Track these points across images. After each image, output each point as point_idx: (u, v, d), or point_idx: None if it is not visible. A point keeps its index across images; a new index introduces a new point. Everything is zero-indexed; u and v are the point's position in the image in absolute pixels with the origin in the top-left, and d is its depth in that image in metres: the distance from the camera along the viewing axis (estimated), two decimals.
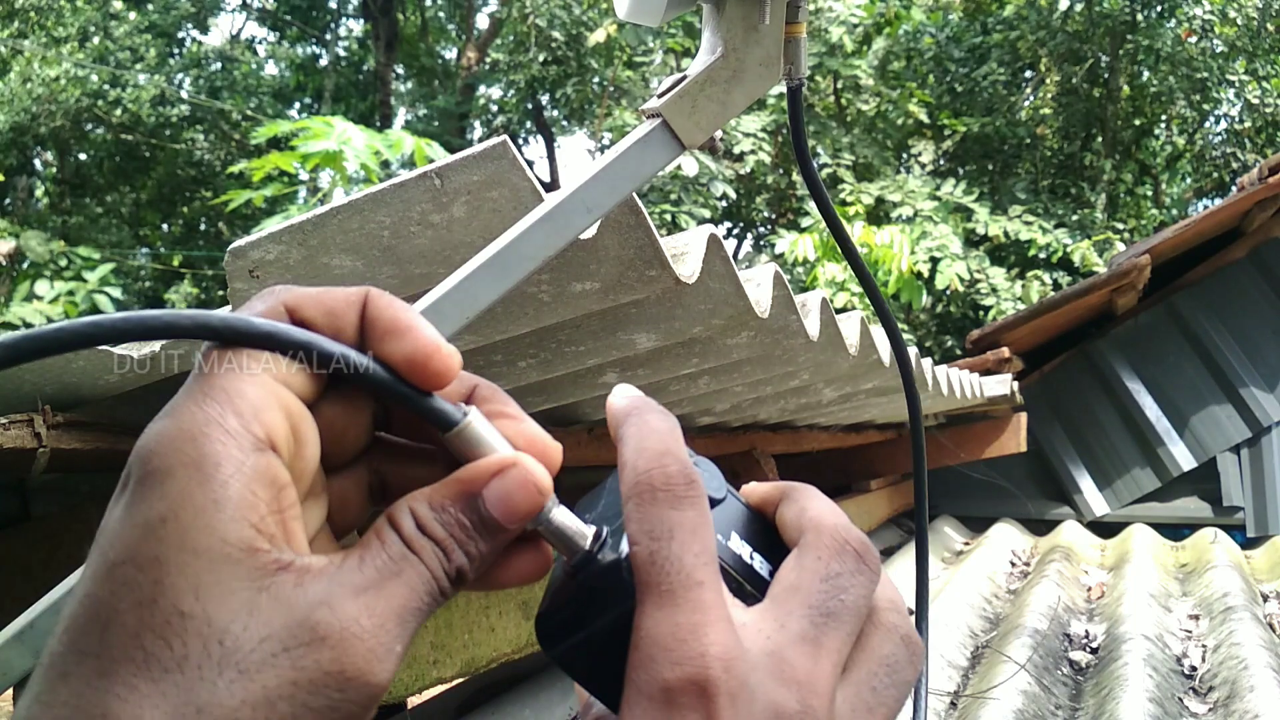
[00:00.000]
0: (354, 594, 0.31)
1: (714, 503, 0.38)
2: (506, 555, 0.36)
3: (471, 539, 0.34)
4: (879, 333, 1.77)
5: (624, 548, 0.35)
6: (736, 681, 0.32)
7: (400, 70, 14.45)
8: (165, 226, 13.98)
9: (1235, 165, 9.02)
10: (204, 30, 14.17)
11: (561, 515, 0.36)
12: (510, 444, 0.36)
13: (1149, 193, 9.79)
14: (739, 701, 0.32)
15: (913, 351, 2.15)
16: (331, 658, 0.30)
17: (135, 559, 0.29)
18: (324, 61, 14.65)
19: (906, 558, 3.14)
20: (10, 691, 0.94)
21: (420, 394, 0.35)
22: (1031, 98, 9.64)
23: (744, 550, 0.38)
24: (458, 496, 0.34)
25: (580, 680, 0.38)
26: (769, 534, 0.39)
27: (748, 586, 0.37)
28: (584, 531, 0.36)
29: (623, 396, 0.39)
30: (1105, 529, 3.94)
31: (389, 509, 0.34)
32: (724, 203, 8.65)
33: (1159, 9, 8.21)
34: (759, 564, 0.38)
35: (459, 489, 0.34)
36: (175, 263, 12.48)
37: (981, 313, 7.54)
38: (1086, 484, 4.18)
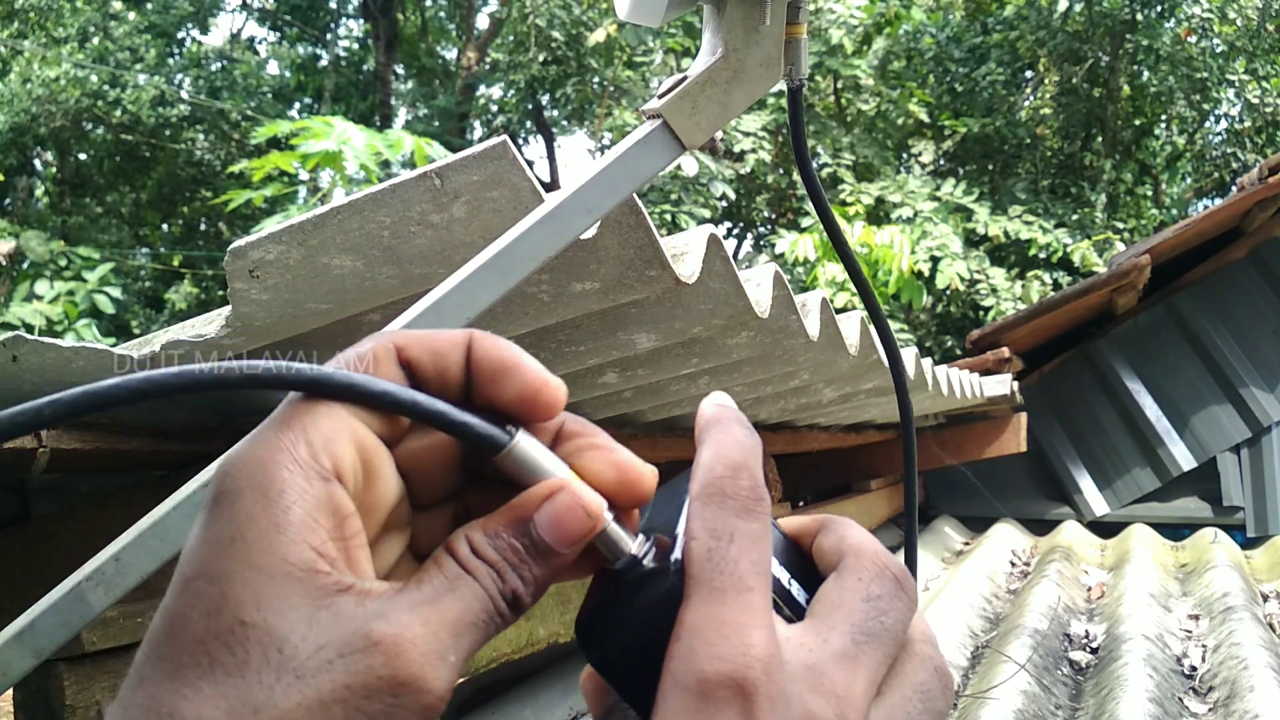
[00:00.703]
0: (409, 607, 0.32)
1: None
2: None
3: (525, 563, 0.35)
4: None
5: (675, 553, 0.35)
6: (776, 687, 0.33)
7: (400, 70, 14.44)
8: (165, 226, 13.97)
9: (1235, 165, 9.01)
10: (204, 30, 14.17)
11: (612, 527, 0.36)
12: (589, 472, 0.36)
13: (1149, 193, 9.79)
14: (777, 706, 0.33)
15: (913, 352, 2.15)
16: (384, 662, 0.31)
17: (206, 573, 0.31)
18: (324, 61, 14.64)
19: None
20: (11, 691, 0.94)
21: (466, 421, 0.35)
22: (1031, 98, 9.65)
23: (783, 575, 0.38)
24: (510, 522, 0.35)
25: (618, 686, 0.38)
26: (805, 563, 0.40)
27: (785, 610, 0.37)
28: (630, 539, 0.37)
29: (713, 404, 0.39)
30: (1105, 529, 3.94)
31: (448, 538, 0.35)
32: (724, 203, 8.65)
33: (1159, 9, 8.21)
34: (796, 590, 0.38)
35: (511, 515, 0.35)
36: (175, 263, 12.48)
37: (981, 313, 7.54)
38: (1086, 484, 4.18)
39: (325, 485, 0.32)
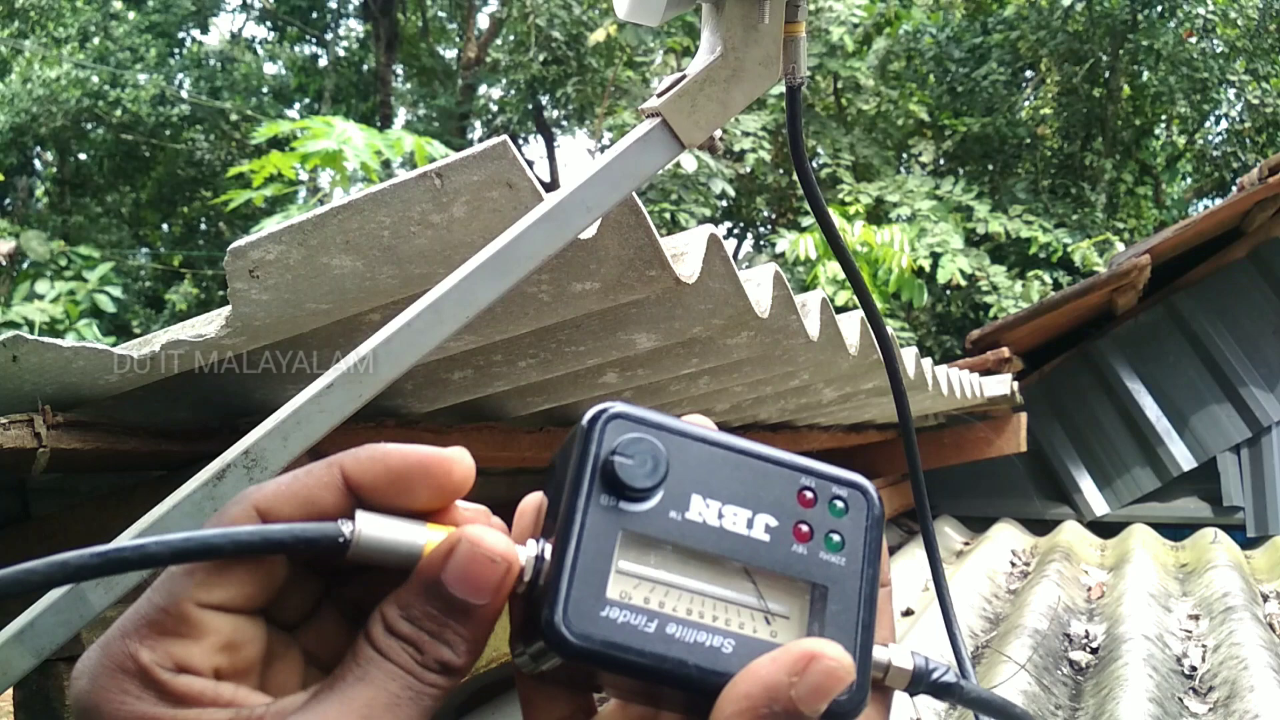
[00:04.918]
0: (313, 710, 0.32)
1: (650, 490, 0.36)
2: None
3: (446, 626, 0.33)
4: None
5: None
6: None
7: (400, 70, 14.43)
8: (165, 226, 13.97)
9: (1235, 165, 9.02)
10: (204, 30, 14.16)
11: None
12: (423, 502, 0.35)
13: (1149, 193, 9.78)
14: None
15: (913, 351, 2.15)
16: None
17: None
18: (324, 61, 14.64)
19: (906, 557, 3.15)
20: (11, 691, 0.94)
21: (292, 537, 0.33)
22: (1032, 98, 9.64)
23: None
24: (420, 589, 0.34)
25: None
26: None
27: None
28: (520, 551, 0.35)
29: None
30: (1105, 529, 3.94)
31: (367, 621, 0.34)
32: (724, 202, 8.65)
33: (1160, 9, 8.21)
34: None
35: (419, 580, 0.34)
36: (175, 263, 12.48)
37: (982, 311, 7.54)
38: (1086, 484, 4.17)
39: (179, 656, 0.33)
